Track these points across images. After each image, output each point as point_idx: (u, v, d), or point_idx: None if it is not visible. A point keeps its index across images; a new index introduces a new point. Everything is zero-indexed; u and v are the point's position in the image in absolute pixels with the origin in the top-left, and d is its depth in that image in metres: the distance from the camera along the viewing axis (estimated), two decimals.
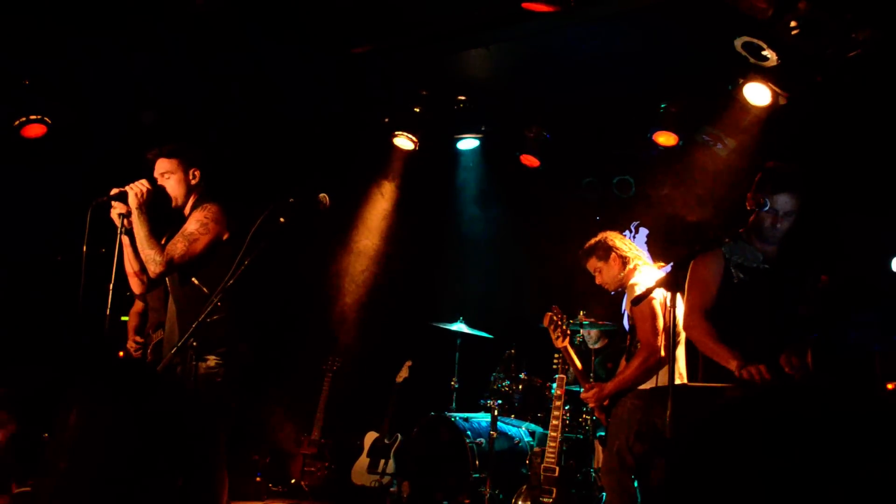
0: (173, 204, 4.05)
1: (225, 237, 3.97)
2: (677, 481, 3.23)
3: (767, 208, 3.54)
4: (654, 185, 6.63)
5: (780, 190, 3.52)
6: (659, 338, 4.36)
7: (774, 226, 3.56)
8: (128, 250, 4.03)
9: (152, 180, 4.00)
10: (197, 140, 4.31)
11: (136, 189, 3.88)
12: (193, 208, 4.02)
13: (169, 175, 4.01)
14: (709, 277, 3.64)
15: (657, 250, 6.56)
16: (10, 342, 5.73)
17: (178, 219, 4.04)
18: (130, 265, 4.09)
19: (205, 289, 3.88)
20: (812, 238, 3.71)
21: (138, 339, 5.33)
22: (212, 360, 3.83)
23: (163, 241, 3.93)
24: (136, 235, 3.87)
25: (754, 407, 3.14)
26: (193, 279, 3.92)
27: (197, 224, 3.91)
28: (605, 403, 4.67)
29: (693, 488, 3.18)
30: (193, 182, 4.05)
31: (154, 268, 3.83)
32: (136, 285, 4.18)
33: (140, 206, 3.85)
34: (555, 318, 4.85)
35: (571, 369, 4.89)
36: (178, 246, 3.85)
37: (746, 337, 3.47)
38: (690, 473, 3.23)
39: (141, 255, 3.88)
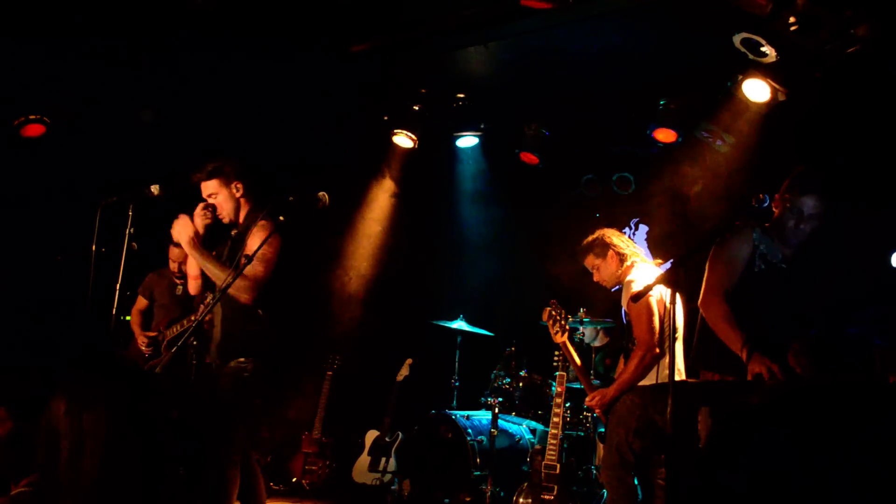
0: (227, 219, 4.19)
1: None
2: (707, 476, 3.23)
3: (766, 205, 3.54)
4: (654, 182, 6.63)
5: (806, 192, 3.55)
6: (654, 335, 4.37)
7: (798, 227, 3.57)
8: (191, 259, 4.16)
9: (203, 202, 4.16)
10: (233, 152, 4.39)
11: (185, 236, 3.98)
12: (248, 222, 4.13)
13: (215, 195, 4.15)
14: (737, 258, 3.63)
15: (657, 247, 6.57)
16: (9, 342, 5.74)
17: (232, 228, 4.20)
18: (192, 269, 4.24)
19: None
20: (826, 245, 3.71)
21: (150, 334, 5.39)
22: (241, 357, 3.95)
23: (223, 255, 4.08)
24: (208, 273, 3.97)
25: (788, 404, 3.12)
26: None
27: (265, 245, 3.96)
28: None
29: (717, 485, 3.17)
30: (238, 195, 4.17)
31: (247, 295, 3.94)
32: (194, 287, 4.31)
33: (191, 242, 3.97)
34: (553, 312, 4.86)
35: (570, 365, 4.89)
36: (258, 269, 3.95)
37: (752, 326, 3.46)
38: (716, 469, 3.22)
39: (229, 291, 3.93)
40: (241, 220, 4.18)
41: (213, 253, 4.06)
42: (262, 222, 4.04)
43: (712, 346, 3.57)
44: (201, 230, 4.01)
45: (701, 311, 3.67)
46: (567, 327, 4.85)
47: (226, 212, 4.16)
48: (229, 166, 4.18)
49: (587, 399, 4.71)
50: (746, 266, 3.62)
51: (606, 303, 5.96)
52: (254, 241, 3.97)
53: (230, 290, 3.86)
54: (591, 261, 4.81)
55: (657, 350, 4.35)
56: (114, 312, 4.06)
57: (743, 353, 3.33)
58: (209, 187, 4.15)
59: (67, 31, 5.23)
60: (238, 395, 3.91)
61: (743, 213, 3.79)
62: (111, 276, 4.07)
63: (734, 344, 3.40)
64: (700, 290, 3.72)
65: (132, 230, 4.03)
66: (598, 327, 6.18)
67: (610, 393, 4.51)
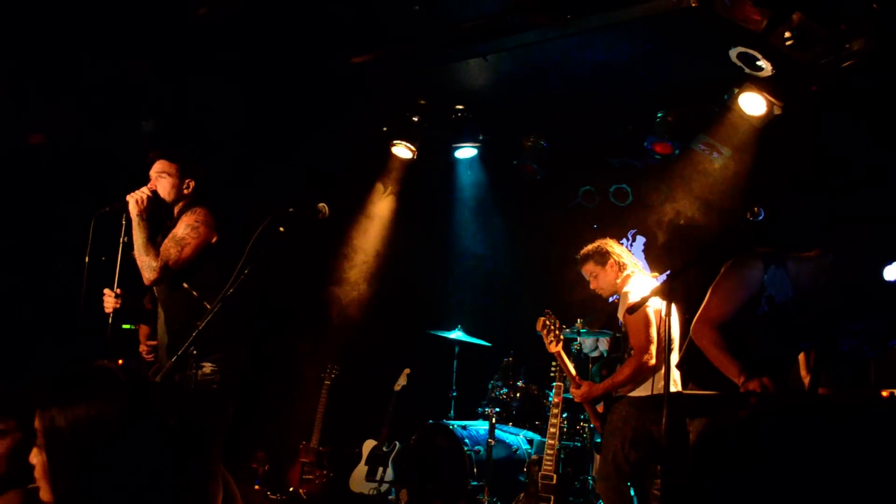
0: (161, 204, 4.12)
1: (214, 240, 4.03)
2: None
3: (761, 218, 3.57)
4: (651, 194, 6.66)
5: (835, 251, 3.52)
6: (652, 343, 4.39)
7: (825, 283, 3.52)
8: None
9: (148, 181, 4.07)
10: (200, 153, 4.37)
11: (137, 196, 3.93)
12: (182, 212, 4.08)
13: (165, 175, 4.08)
14: (741, 292, 3.55)
15: (654, 259, 6.60)
16: (10, 351, 5.75)
17: (166, 217, 4.11)
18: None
19: (195, 293, 3.92)
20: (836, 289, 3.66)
21: (151, 342, 5.40)
22: (208, 367, 3.87)
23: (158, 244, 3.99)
24: (134, 241, 3.93)
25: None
26: (184, 284, 3.97)
27: (187, 228, 3.97)
28: (600, 410, 4.69)
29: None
30: (186, 192, 4.12)
31: (149, 274, 3.89)
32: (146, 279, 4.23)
33: (140, 213, 3.92)
34: (548, 322, 4.87)
35: (565, 374, 4.90)
36: (170, 251, 3.91)
37: (748, 356, 3.46)
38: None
39: (137, 261, 3.93)
40: (175, 210, 4.11)
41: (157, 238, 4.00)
42: (196, 208, 4.00)
43: (698, 361, 3.57)
44: (134, 208, 3.93)
45: (693, 337, 3.62)
46: (561, 337, 4.87)
47: (164, 196, 4.07)
48: (194, 163, 4.14)
49: (572, 387, 4.72)
50: (751, 303, 3.54)
51: (604, 313, 5.98)
52: (179, 225, 3.95)
53: (139, 265, 3.84)
54: (590, 268, 4.83)
55: (654, 359, 4.37)
56: (110, 321, 4.06)
57: (740, 380, 3.32)
58: (163, 166, 4.07)
59: (66, 38, 5.27)
60: (212, 411, 3.87)
61: (755, 239, 3.69)
62: (109, 285, 4.10)
63: (730, 370, 3.37)
64: (696, 301, 3.74)
65: (125, 239, 4.04)
66: (596, 338, 6.19)
67: (598, 388, 4.55)
